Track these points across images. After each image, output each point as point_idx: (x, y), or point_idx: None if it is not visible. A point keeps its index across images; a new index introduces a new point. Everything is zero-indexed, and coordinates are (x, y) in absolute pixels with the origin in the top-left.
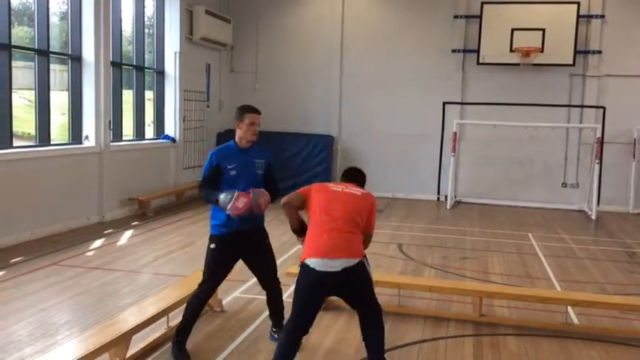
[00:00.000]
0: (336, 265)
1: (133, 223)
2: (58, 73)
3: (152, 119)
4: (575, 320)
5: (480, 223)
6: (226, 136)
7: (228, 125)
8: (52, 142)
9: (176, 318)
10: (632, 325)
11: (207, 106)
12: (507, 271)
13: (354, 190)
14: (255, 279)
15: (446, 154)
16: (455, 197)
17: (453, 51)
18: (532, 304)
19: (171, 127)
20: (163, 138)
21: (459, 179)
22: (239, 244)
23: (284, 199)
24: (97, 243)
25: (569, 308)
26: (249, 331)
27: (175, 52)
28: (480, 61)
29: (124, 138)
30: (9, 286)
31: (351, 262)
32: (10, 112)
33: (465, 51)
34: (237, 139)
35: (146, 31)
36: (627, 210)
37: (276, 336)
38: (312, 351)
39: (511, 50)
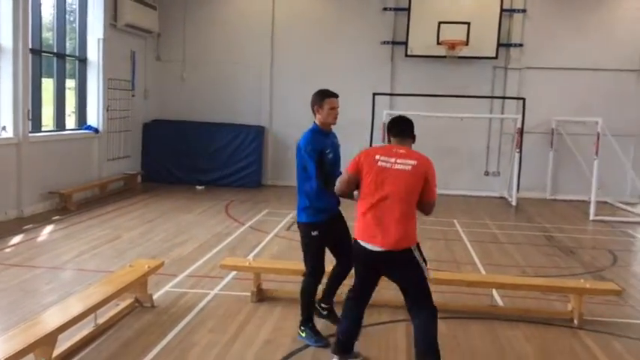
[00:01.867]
0: (376, 248)
1: (54, 218)
2: None
3: (74, 109)
4: (500, 302)
5: None
6: (153, 126)
7: (155, 115)
8: None
9: (104, 315)
10: (553, 306)
11: (133, 95)
12: (435, 257)
13: (404, 162)
14: (185, 273)
15: (376, 143)
16: None
17: (383, 43)
18: (459, 288)
19: (94, 117)
20: (85, 128)
21: None
22: (333, 227)
23: (337, 191)
24: (16, 239)
25: (493, 291)
26: (181, 325)
27: (99, 39)
28: (408, 53)
29: (43, 129)
30: None
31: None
32: None
33: (393, 43)
34: (319, 123)
35: (67, 17)
36: (545, 196)
37: (325, 313)
38: (249, 341)
39: (438, 43)
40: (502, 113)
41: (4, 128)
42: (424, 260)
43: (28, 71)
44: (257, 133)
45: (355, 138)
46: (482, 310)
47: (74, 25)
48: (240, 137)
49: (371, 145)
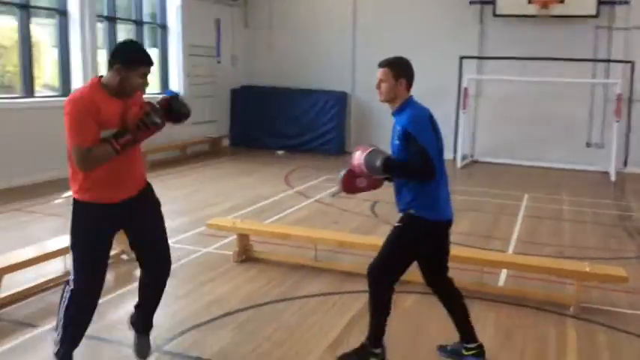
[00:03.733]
0: None
1: None
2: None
3: (157, 74)
4: (501, 283)
5: (482, 183)
6: (241, 92)
7: (243, 81)
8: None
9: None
10: (561, 290)
11: (218, 62)
12: (469, 230)
13: None
14: (195, 231)
15: (461, 110)
16: (472, 156)
17: (471, 2)
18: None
19: (175, 83)
20: (167, 93)
21: (477, 138)
22: None
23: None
24: None
25: (503, 272)
26: None
27: (177, 7)
28: (497, 12)
29: None
30: None
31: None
32: None
33: (482, 2)
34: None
35: None
36: None
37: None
38: (199, 299)
39: (529, 1)
40: (607, 78)
41: None
42: None
43: (95, 38)
44: (337, 99)
45: (441, 104)
46: (469, 287)
47: None
48: (320, 103)
49: (457, 113)
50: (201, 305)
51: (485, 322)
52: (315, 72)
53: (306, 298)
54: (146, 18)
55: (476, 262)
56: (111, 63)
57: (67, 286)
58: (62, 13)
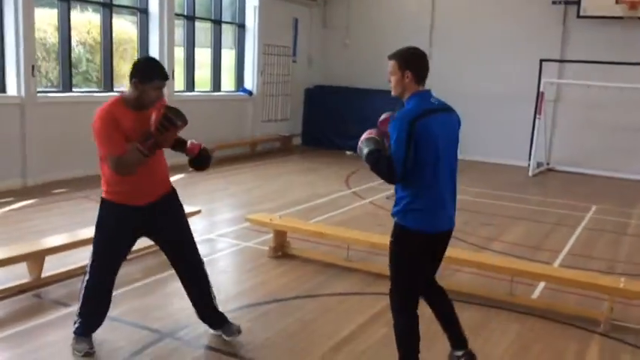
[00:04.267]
0: None
1: (190, 170)
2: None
3: (233, 72)
4: (537, 294)
5: (550, 192)
6: (315, 91)
7: (318, 81)
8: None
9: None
10: (595, 306)
11: (294, 61)
12: (520, 240)
13: None
14: (242, 225)
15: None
16: (547, 164)
17: (554, 3)
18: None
19: (249, 81)
20: (241, 91)
21: (555, 145)
22: None
23: None
24: None
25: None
26: None
27: (254, 6)
28: (581, 13)
29: (198, 89)
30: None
31: None
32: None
33: (566, 2)
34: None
35: None
36: None
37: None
38: (225, 290)
39: (616, 2)
40: None
41: None
42: None
43: (173, 35)
44: None
45: (519, 109)
46: (497, 297)
47: None
48: (392, 104)
49: (535, 119)
50: (227, 296)
51: (505, 332)
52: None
53: (329, 296)
54: (225, 17)
55: (504, 271)
56: (130, 79)
57: (85, 276)
58: (143, 11)
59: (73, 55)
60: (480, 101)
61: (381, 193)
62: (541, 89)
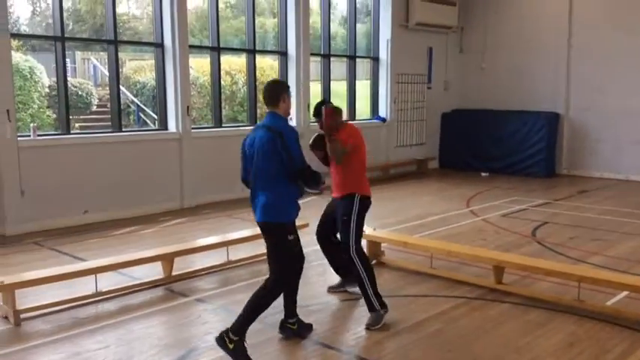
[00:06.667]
0: None
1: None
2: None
3: (369, 101)
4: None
5: None
6: (452, 115)
7: (455, 105)
8: None
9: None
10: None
11: (429, 88)
12: (624, 255)
13: None
14: None
15: None
16: None
17: None
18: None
19: (383, 109)
20: (376, 119)
21: None
22: None
23: None
24: None
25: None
26: None
27: (387, 40)
28: None
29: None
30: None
31: None
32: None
33: None
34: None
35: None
36: None
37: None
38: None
39: None
40: None
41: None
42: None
43: (308, 72)
44: (547, 120)
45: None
46: (564, 302)
47: (369, 26)
48: (529, 125)
49: None
50: (302, 292)
51: (558, 331)
52: (526, 93)
53: (397, 297)
54: (360, 51)
55: (566, 276)
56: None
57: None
58: (283, 54)
59: (239, 95)
60: (621, 117)
61: (498, 211)
62: None
